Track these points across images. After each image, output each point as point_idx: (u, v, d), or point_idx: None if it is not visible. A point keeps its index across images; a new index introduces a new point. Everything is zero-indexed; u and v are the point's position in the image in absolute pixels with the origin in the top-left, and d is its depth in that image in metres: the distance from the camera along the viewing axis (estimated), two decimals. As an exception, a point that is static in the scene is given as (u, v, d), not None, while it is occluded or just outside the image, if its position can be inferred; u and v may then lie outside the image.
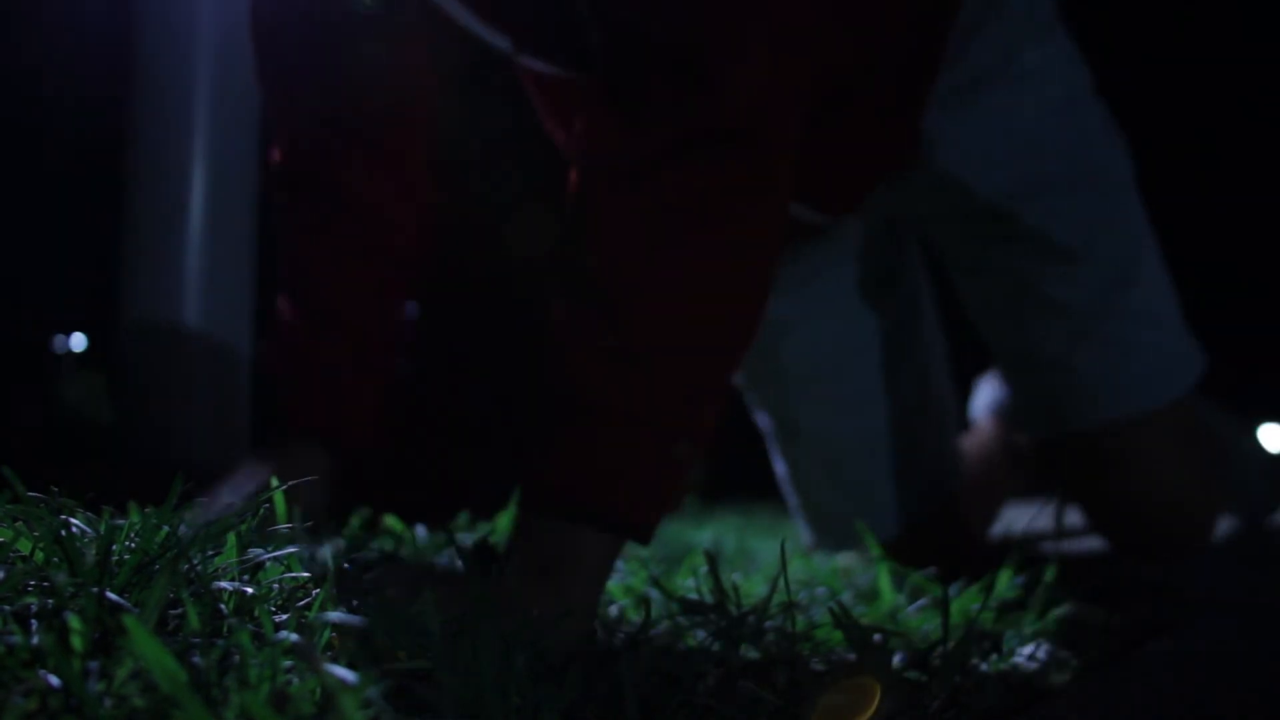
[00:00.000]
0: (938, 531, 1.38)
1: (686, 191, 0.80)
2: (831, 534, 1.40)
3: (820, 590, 1.06)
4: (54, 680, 0.46)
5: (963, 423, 1.51)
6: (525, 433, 0.84)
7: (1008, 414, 1.62)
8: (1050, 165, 1.20)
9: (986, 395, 1.71)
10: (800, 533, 1.50)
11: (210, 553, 0.65)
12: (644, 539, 0.82)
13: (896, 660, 0.78)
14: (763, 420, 1.46)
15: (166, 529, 0.65)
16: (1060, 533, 1.51)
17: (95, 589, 0.53)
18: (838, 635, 0.83)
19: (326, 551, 0.87)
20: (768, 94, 0.82)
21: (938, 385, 1.40)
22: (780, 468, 1.46)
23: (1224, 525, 1.78)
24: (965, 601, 0.91)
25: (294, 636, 0.49)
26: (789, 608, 0.83)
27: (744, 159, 0.81)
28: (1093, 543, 1.51)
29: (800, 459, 1.42)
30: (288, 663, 0.50)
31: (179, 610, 0.57)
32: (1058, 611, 1.00)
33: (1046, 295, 1.22)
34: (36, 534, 0.63)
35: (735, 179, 0.81)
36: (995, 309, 1.27)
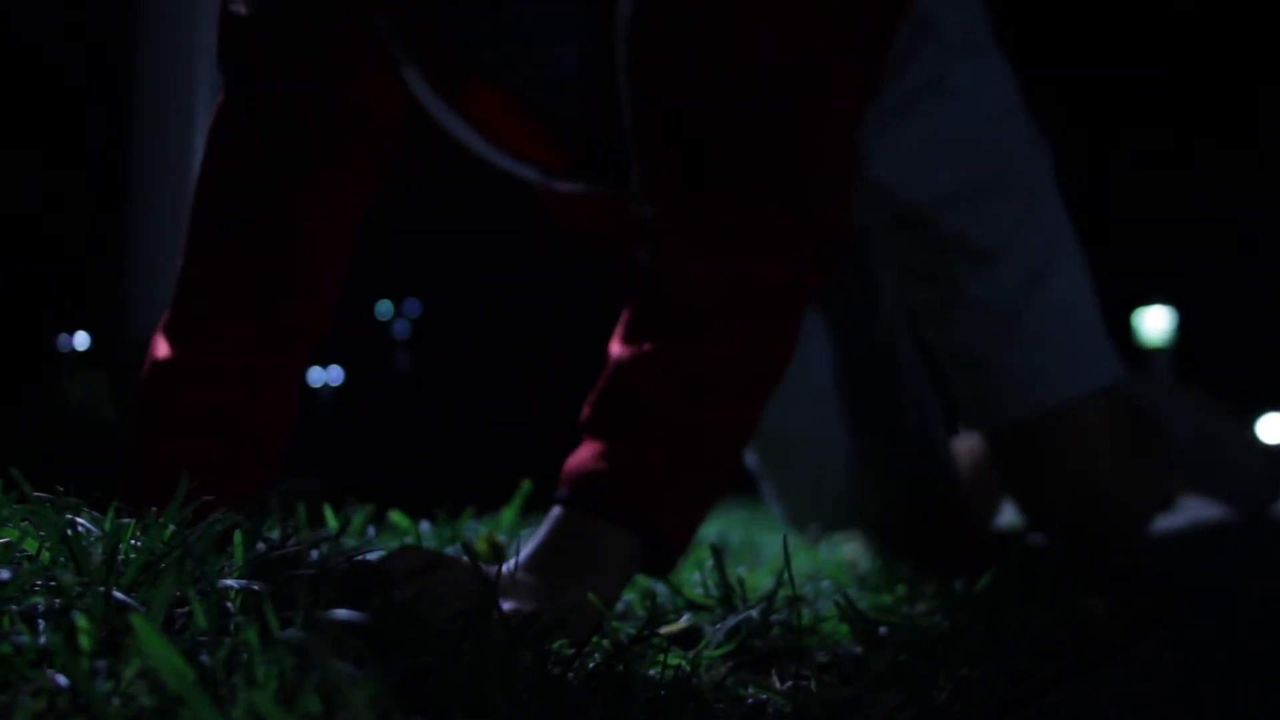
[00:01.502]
0: (939, 524, 1.39)
1: (767, 269, 0.93)
2: (800, 516, 1.45)
3: (826, 583, 1.06)
4: (62, 679, 0.46)
5: (946, 414, 1.52)
6: (578, 432, 0.91)
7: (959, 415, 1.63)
8: (970, 173, 1.25)
9: None
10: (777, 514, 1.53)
11: (216, 552, 0.65)
12: (670, 559, 0.88)
13: (900, 653, 0.78)
14: None
15: (172, 528, 0.65)
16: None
17: (102, 588, 0.53)
18: (844, 628, 0.83)
19: (332, 548, 0.87)
20: (838, 187, 0.97)
21: (909, 369, 1.41)
22: (753, 463, 1.50)
23: (1220, 515, 1.78)
24: (969, 594, 0.91)
25: (301, 635, 0.49)
26: (795, 601, 0.83)
27: (815, 241, 0.95)
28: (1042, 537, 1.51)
29: (767, 454, 1.45)
30: (295, 661, 0.50)
31: (186, 609, 0.57)
32: (1061, 604, 1.00)
33: (969, 296, 1.26)
34: (43, 534, 0.63)
35: (805, 255, 0.95)
36: (927, 310, 1.32)
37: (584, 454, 0.89)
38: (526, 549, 0.86)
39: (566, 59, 0.99)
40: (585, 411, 0.92)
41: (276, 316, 0.97)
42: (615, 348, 0.94)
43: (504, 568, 0.80)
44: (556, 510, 0.87)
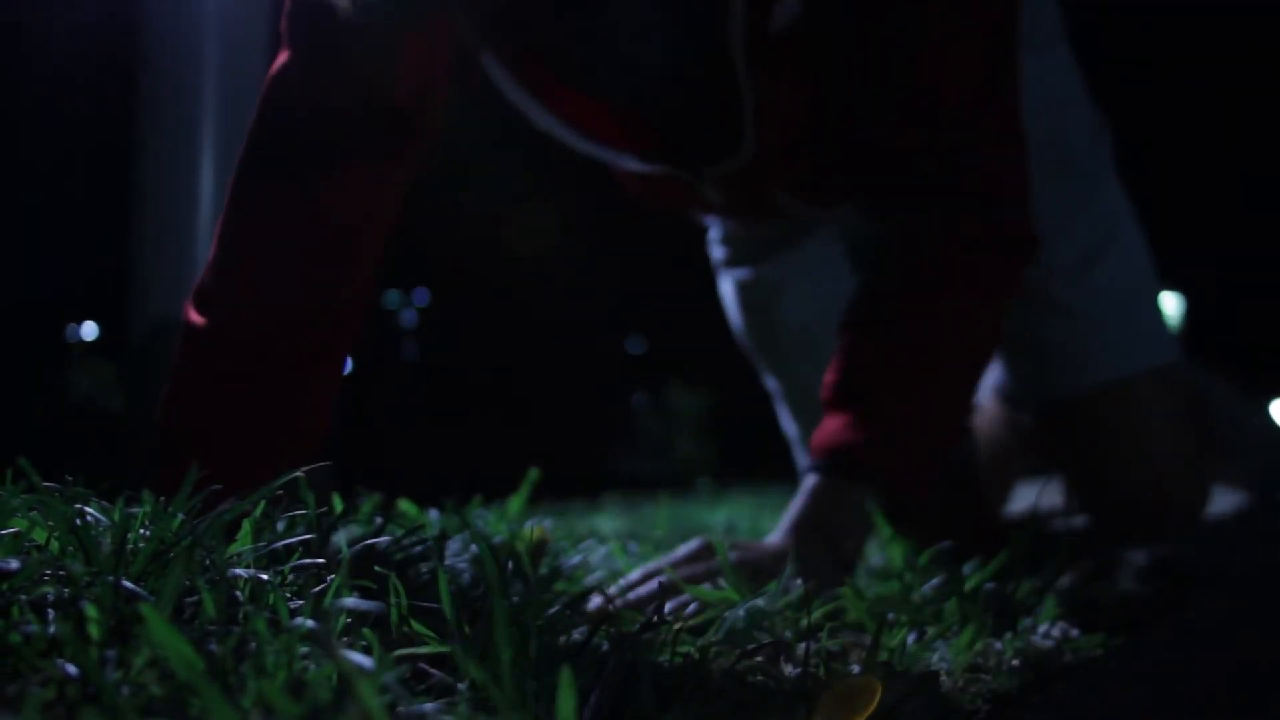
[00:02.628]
0: (955, 507, 1.39)
1: (964, 271, 1.08)
2: None
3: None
4: (71, 669, 0.46)
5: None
6: (823, 405, 1.07)
7: (1009, 393, 1.64)
8: (1032, 162, 1.23)
9: (989, 377, 1.71)
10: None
11: (225, 541, 0.65)
12: (908, 511, 1.03)
13: (911, 639, 0.78)
14: (770, 384, 1.53)
15: (181, 517, 0.65)
16: (1071, 510, 1.51)
17: (111, 578, 0.53)
18: (853, 615, 0.83)
19: (341, 538, 0.87)
20: (1021, 198, 1.10)
21: None
22: (790, 428, 1.53)
23: (1236, 501, 1.78)
24: (980, 580, 0.90)
25: (310, 623, 0.49)
26: (803, 588, 0.83)
27: (1005, 245, 1.10)
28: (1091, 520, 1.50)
29: (808, 416, 1.48)
30: (304, 649, 0.50)
31: (195, 598, 0.57)
32: (1072, 590, 1.00)
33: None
34: (52, 523, 0.63)
35: (997, 258, 1.10)
36: None
37: (828, 428, 1.04)
38: (786, 517, 1.01)
39: (649, 59, 1.06)
40: (826, 392, 1.07)
41: (318, 295, 0.97)
42: (847, 335, 1.09)
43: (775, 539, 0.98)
44: (811, 479, 1.02)
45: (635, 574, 0.91)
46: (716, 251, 1.60)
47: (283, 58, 1.00)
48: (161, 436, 0.93)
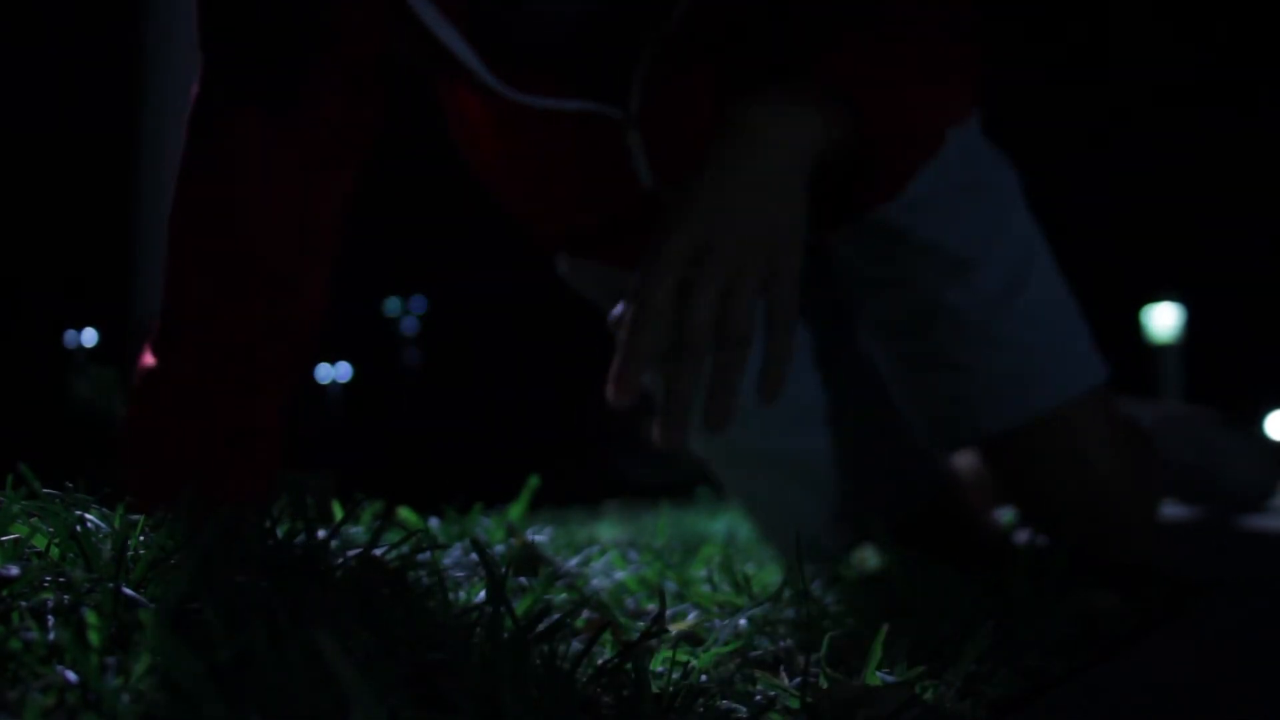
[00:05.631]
0: (944, 521, 1.38)
1: None
2: (779, 531, 1.41)
3: (833, 580, 1.06)
4: (71, 675, 0.46)
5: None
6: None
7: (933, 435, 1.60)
8: (941, 181, 1.21)
9: None
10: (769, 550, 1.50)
11: (225, 548, 0.65)
12: (882, 155, 0.94)
13: (909, 648, 0.78)
14: (698, 449, 1.44)
15: (182, 524, 0.66)
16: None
17: (111, 584, 0.53)
18: (852, 624, 0.83)
19: (341, 545, 0.87)
20: None
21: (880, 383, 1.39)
22: (738, 498, 1.46)
23: (1224, 510, 1.79)
24: (977, 589, 0.91)
25: (311, 631, 0.49)
26: (803, 597, 0.83)
27: None
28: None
29: (768, 484, 1.40)
30: (304, 658, 0.50)
31: (195, 605, 0.57)
32: (1069, 598, 1.00)
33: (945, 303, 1.23)
34: (52, 530, 0.63)
35: None
36: (899, 321, 1.28)
37: (828, 41, 0.91)
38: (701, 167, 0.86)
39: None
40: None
41: (257, 313, 0.96)
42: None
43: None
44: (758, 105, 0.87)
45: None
46: None
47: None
48: (125, 467, 0.94)
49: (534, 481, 1.15)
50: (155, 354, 0.96)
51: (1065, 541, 1.24)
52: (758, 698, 0.66)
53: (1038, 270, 1.28)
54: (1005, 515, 1.61)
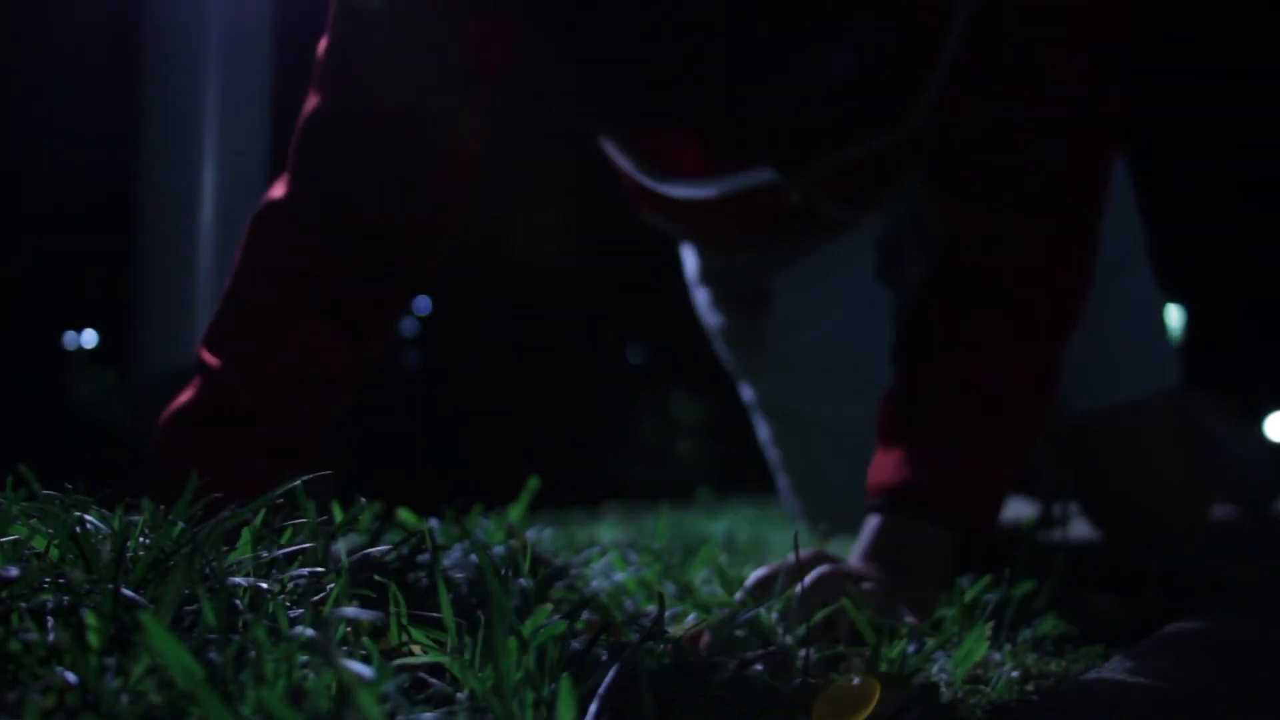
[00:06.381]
0: None
1: (1042, 278, 1.03)
2: (834, 518, 1.43)
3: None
4: (71, 677, 0.46)
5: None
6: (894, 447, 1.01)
7: None
8: None
9: None
10: (788, 509, 1.52)
11: (225, 549, 0.65)
12: (979, 541, 1.00)
13: (911, 650, 0.78)
14: (747, 395, 1.49)
15: (181, 525, 0.65)
16: (1066, 521, 1.52)
17: (111, 585, 0.53)
18: (853, 624, 0.83)
19: (340, 546, 0.87)
20: (1098, 215, 1.05)
21: None
22: (771, 450, 1.50)
23: (1227, 512, 1.78)
24: (978, 590, 0.90)
25: (310, 632, 0.49)
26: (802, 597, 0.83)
27: (1083, 258, 1.05)
28: (1098, 531, 1.51)
29: (805, 446, 1.44)
30: (304, 658, 0.50)
31: (194, 606, 0.57)
32: (1070, 600, 1.00)
33: None
34: (51, 531, 0.63)
35: (1074, 276, 1.05)
36: None
37: (887, 462, 0.99)
38: (854, 553, 0.96)
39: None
40: (883, 419, 1.02)
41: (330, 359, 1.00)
42: (905, 357, 1.04)
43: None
44: (875, 519, 0.98)
45: (751, 580, 0.90)
46: (694, 262, 1.56)
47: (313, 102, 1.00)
48: (161, 446, 0.94)
49: (534, 482, 1.15)
50: (215, 353, 0.97)
51: (1122, 531, 1.26)
52: (758, 699, 0.66)
53: (1136, 264, 1.30)
54: (1024, 517, 1.61)
